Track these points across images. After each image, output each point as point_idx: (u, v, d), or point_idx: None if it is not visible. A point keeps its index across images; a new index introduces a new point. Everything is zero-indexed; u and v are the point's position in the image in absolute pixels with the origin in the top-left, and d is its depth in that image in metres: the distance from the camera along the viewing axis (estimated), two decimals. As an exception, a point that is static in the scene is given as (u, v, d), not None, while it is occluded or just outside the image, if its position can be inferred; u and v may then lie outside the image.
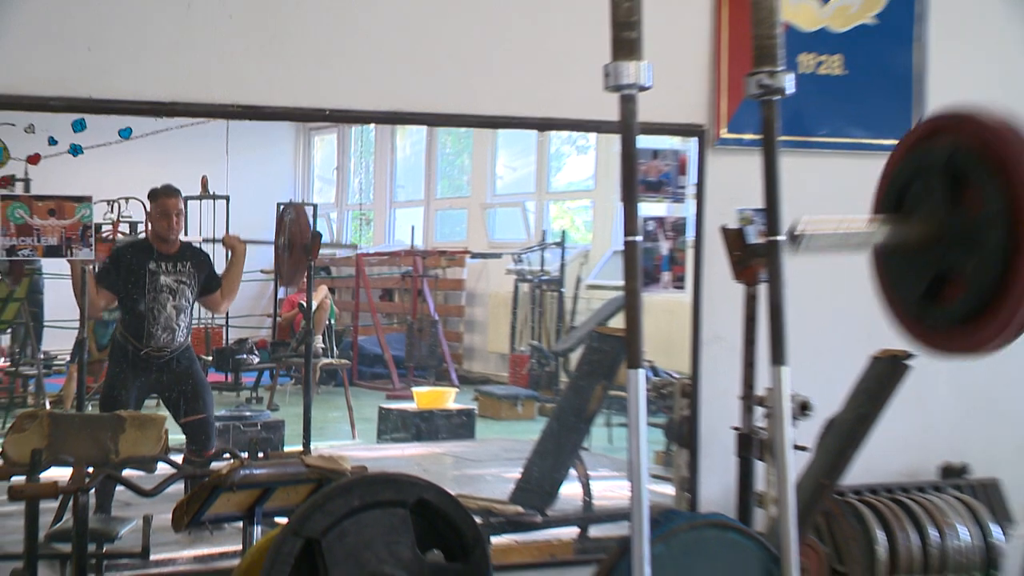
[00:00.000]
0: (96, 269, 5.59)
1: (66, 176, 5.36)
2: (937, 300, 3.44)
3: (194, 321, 5.84)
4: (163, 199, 5.66)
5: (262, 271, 6.16)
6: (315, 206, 6.21)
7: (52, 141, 5.38)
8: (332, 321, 6.48)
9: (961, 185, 3.35)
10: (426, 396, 6.51)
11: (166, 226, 5.70)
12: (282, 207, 5.99)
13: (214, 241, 5.87)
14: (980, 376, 6.77)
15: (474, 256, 6.80)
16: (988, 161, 3.29)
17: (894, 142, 6.58)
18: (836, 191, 6.34)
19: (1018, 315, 3.24)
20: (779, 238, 3.29)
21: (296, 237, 6.06)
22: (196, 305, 5.79)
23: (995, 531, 6.38)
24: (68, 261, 5.53)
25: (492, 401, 6.68)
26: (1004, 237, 3.23)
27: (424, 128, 6.37)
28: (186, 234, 5.66)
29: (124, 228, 5.82)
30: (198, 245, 5.73)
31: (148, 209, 5.54)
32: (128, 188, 5.69)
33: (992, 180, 3.26)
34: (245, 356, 6.21)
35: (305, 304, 6.25)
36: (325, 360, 6.39)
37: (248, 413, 6.16)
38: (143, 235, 5.74)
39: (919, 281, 3.46)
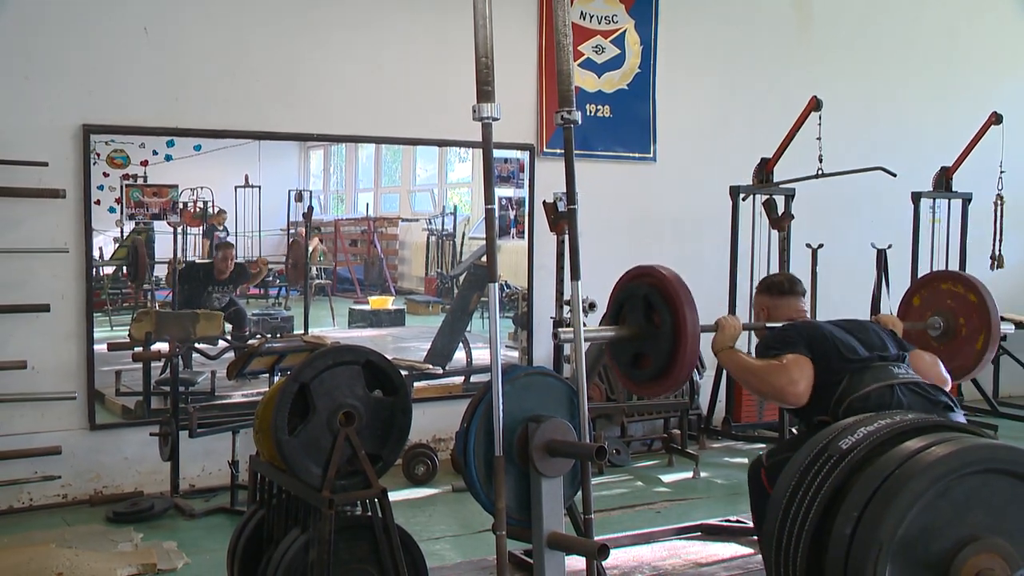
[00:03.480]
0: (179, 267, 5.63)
1: (163, 173, 5.34)
2: (637, 368, 3.56)
3: (242, 258, 5.78)
4: (225, 249, 5.70)
5: (281, 229, 6.16)
6: (311, 192, 6.19)
7: (155, 153, 5.35)
8: (321, 258, 6.48)
9: (652, 309, 3.44)
10: (376, 301, 6.41)
11: (224, 267, 5.73)
12: (288, 244, 6.03)
13: (252, 261, 5.86)
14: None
15: (403, 220, 6.81)
16: (664, 296, 3.41)
17: (640, 155, 6.87)
18: (605, 181, 6.52)
19: (678, 379, 3.42)
20: (574, 207, 3.28)
21: (298, 260, 6.07)
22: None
23: (695, 374, 6.48)
24: (168, 223, 5.54)
25: (415, 304, 6.49)
26: (671, 339, 3.39)
27: (374, 145, 6.39)
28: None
29: (199, 204, 5.76)
30: (242, 264, 5.80)
31: (216, 256, 5.69)
32: (200, 181, 5.60)
33: (666, 307, 3.39)
34: (271, 279, 6.22)
35: (304, 249, 6.29)
36: (317, 281, 6.40)
37: (273, 312, 6.07)
38: (210, 262, 5.77)
39: (627, 356, 3.58)
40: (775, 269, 6.17)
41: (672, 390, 3.55)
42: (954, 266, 7.46)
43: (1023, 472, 2.22)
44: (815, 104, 6.04)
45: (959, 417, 3.30)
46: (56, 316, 5.14)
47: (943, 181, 7.14)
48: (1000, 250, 7.19)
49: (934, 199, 7.21)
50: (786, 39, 7.35)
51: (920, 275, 7.02)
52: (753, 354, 3.71)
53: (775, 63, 7.26)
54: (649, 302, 3.45)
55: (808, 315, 3.84)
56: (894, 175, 6.33)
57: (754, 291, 3.90)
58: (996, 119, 6.91)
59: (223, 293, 5.80)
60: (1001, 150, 7.03)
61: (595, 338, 3.70)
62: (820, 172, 6.01)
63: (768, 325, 3.68)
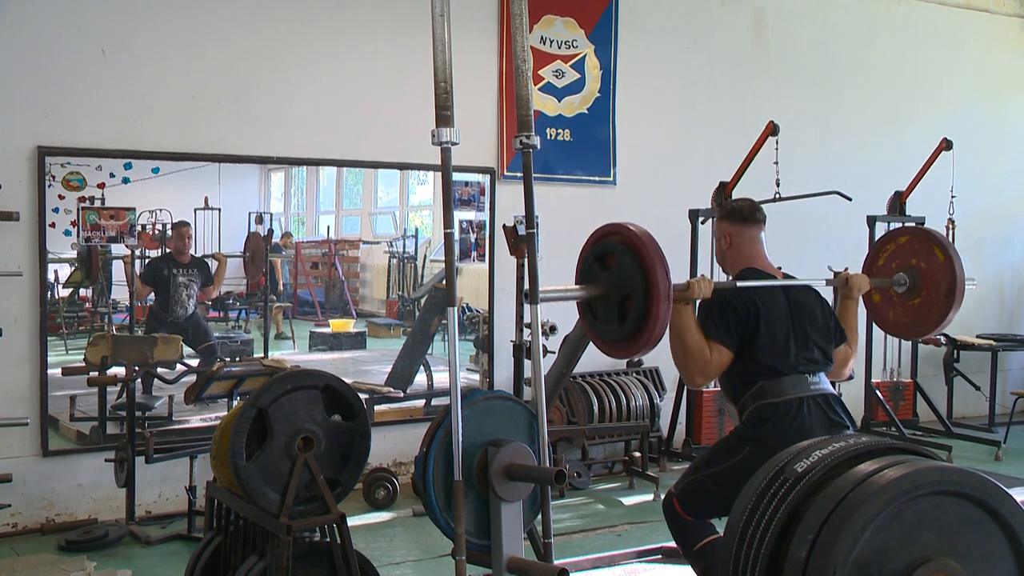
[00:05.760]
0: (140, 270, 5.55)
1: (120, 196, 5.32)
2: (607, 326, 3.35)
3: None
4: (180, 228, 5.69)
5: (241, 252, 6.13)
6: (271, 214, 6.17)
7: (112, 175, 5.31)
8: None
9: (607, 261, 3.31)
10: (337, 324, 6.38)
11: (183, 244, 5.67)
12: (246, 237, 6.01)
13: (210, 256, 5.85)
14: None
15: (365, 243, 6.80)
16: (629, 248, 3.24)
17: (600, 178, 6.91)
18: (565, 205, 6.55)
19: (649, 340, 3.24)
20: (533, 231, 3.26)
21: (256, 252, 6.07)
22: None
23: (655, 396, 6.60)
24: (123, 260, 5.50)
25: (376, 327, 6.47)
26: (643, 298, 3.18)
27: (335, 168, 6.39)
28: (195, 251, 5.71)
29: (158, 227, 5.74)
30: (200, 258, 5.79)
31: (171, 235, 5.61)
32: (158, 204, 5.55)
33: (626, 254, 3.23)
34: (231, 301, 6.18)
35: (264, 271, 6.26)
36: (277, 304, 6.39)
37: (232, 335, 6.03)
38: (168, 251, 5.74)
39: (607, 316, 3.36)
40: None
41: (643, 351, 3.34)
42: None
43: (972, 494, 2.25)
44: (772, 129, 6.12)
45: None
46: (8, 340, 5.05)
47: (897, 205, 7.27)
48: (952, 273, 7.31)
49: (888, 223, 7.33)
50: (743, 64, 7.46)
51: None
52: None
53: (733, 87, 7.36)
54: (619, 260, 3.30)
55: (765, 255, 3.73)
56: (849, 199, 6.44)
57: (716, 217, 3.80)
58: (947, 145, 7.05)
59: (188, 278, 5.75)
60: (952, 176, 7.18)
61: (567, 297, 3.48)
62: (777, 196, 6.09)
63: (740, 284, 3.55)
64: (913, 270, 4.20)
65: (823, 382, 3.56)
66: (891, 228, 6.58)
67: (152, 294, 5.71)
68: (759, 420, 3.48)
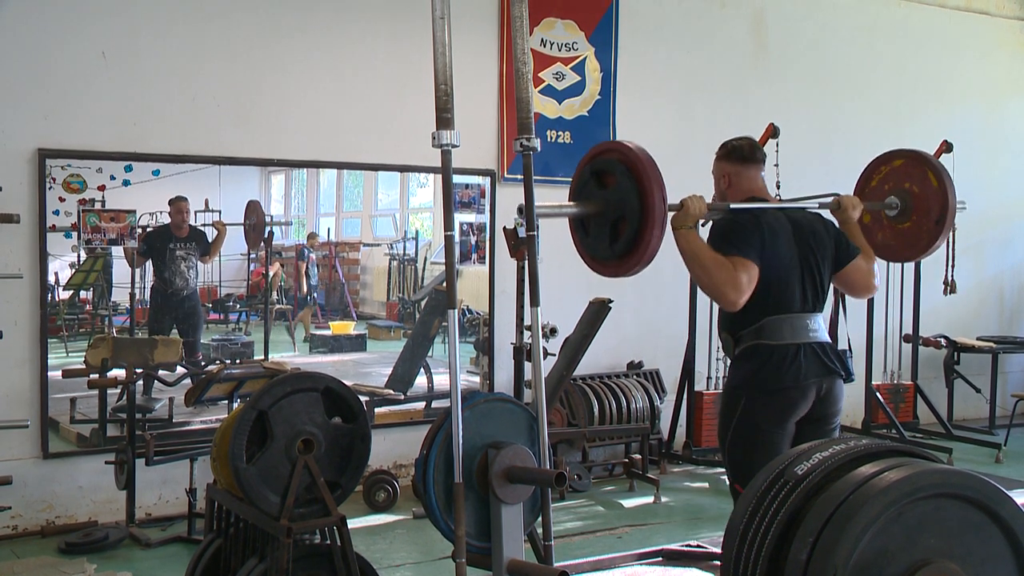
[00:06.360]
0: (139, 247, 5.62)
1: (121, 198, 5.33)
2: (598, 243, 3.36)
3: (201, 283, 5.93)
4: (178, 203, 5.69)
5: (241, 254, 6.12)
6: (271, 216, 6.17)
7: (112, 178, 5.31)
8: (282, 283, 6.46)
9: (604, 178, 3.32)
10: (338, 326, 6.38)
11: (180, 219, 5.68)
12: (247, 203, 6.03)
13: (209, 225, 5.84)
14: (648, 313, 6.99)
15: (365, 245, 6.80)
16: (628, 169, 3.25)
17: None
18: None
19: (642, 258, 3.23)
20: (533, 233, 3.24)
21: (258, 220, 6.06)
22: (200, 269, 5.86)
23: (656, 399, 6.61)
24: (124, 249, 5.53)
25: (376, 329, 6.49)
26: (637, 215, 3.19)
27: (335, 170, 6.38)
28: (194, 221, 5.73)
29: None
30: (199, 227, 5.78)
31: (170, 210, 5.62)
32: (158, 206, 5.60)
33: (626, 176, 3.23)
34: (231, 303, 6.18)
35: (265, 273, 6.27)
36: (278, 306, 6.39)
37: (232, 337, 6.03)
38: (167, 225, 5.73)
39: (599, 234, 3.37)
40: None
41: (635, 269, 3.34)
42: (909, 292, 7.57)
43: (973, 496, 2.25)
44: (772, 131, 6.11)
45: (841, 387, 3.54)
46: (9, 342, 5.05)
47: (897, 207, 7.25)
48: (953, 276, 7.31)
49: (889, 225, 7.32)
50: (743, 66, 7.46)
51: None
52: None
53: (733, 90, 7.36)
54: (601, 173, 3.31)
55: (766, 189, 3.71)
56: (849, 202, 6.40)
57: (714, 156, 3.74)
58: (947, 147, 7.04)
59: (187, 251, 5.75)
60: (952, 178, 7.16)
61: (561, 213, 3.52)
62: (778, 198, 6.07)
63: (732, 206, 3.53)
64: (905, 194, 4.13)
65: (821, 331, 3.54)
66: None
67: (152, 273, 5.71)
68: (756, 361, 3.45)
